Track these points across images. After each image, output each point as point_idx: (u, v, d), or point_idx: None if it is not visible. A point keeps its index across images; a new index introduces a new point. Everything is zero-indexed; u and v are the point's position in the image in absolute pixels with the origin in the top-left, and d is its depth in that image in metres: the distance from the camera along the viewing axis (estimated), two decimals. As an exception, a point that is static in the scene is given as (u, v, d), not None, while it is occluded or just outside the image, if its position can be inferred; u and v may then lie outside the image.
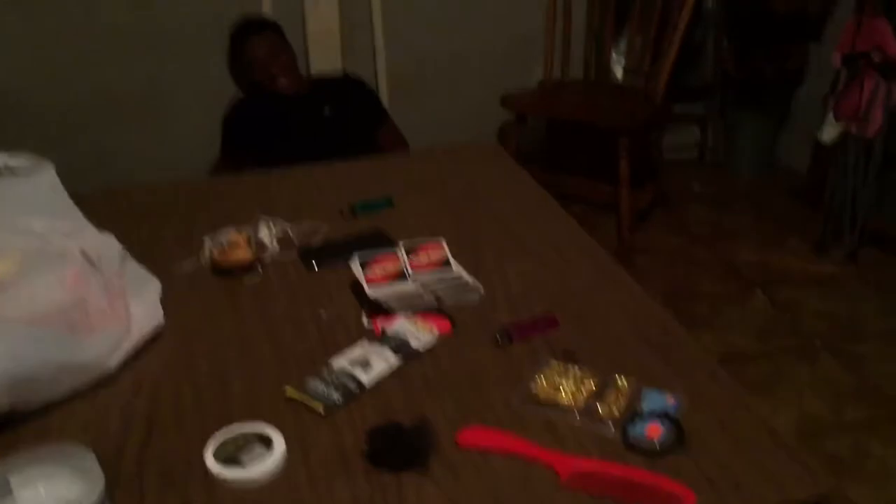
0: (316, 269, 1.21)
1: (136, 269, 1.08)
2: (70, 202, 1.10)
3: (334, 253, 1.22)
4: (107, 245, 1.05)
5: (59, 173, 2.18)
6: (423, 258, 1.11)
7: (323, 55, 2.76)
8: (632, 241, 2.70)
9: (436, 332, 1.04)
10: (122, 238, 1.08)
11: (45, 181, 1.10)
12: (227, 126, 2.63)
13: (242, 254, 1.18)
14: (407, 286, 1.07)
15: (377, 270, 1.09)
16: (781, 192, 3.05)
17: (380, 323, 1.06)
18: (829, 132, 2.48)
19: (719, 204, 3.01)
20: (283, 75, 2.46)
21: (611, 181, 2.68)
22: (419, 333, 1.03)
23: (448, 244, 1.16)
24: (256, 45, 2.46)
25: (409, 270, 1.09)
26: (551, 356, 0.99)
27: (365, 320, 1.07)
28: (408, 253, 1.11)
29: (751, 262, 2.62)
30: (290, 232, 1.28)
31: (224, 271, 1.18)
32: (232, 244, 1.19)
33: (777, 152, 3.17)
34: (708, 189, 3.11)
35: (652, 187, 2.90)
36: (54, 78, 2.64)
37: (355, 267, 1.09)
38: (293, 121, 2.53)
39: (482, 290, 1.12)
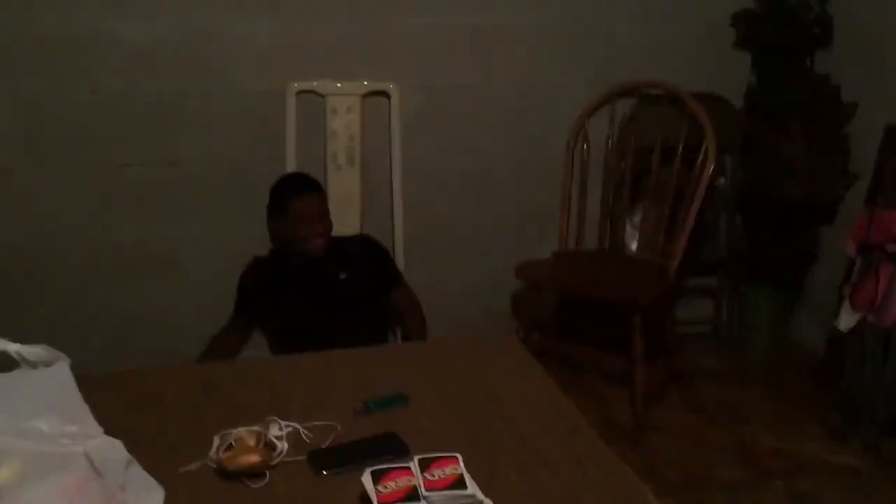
0: (325, 473, 1.17)
1: (140, 476, 1.05)
2: (80, 401, 1.07)
3: (345, 458, 1.18)
4: (113, 450, 1.02)
5: (75, 337, 2.19)
6: (437, 474, 1.07)
7: (343, 217, 2.80)
8: (645, 419, 2.64)
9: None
10: (129, 429, 1.05)
11: (58, 377, 1.08)
12: (242, 284, 2.64)
13: (250, 458, 1.14)
14: (419, 507, 1.03)
15: (389, 486, 1.05)
16: (796, 372, 3.00)
17: (389, 546, 1.01)
18: (846, 321, 2.47)
19: (734, 382, 2.96)
20: (321, 237, 2.46)
21: (623, 354, 2.65)
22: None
23: (462, 451, 1.11)
24: (307, 202, 2.45)
25: (423, 490, 1.05)
26: None
27: (374, 542, 1.02)
28: (422, 469, 1.07)
29: (768, 448, 2.55)
30: (301, 432, 1.25)
31: (231, 474, 1.14)
32: (241, 445, 1.16)
33: (790, 330, 3.15)
34: (722, 366, 3.07)
35: (666, 363, 2.87)
36: (74, 237, 2.69)
37: (367, 482, 1.05)
38: (309, 283, 2.54)
39: (496, 511, 1.08)
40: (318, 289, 2.54)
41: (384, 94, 2.75)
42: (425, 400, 1.39)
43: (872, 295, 2.42)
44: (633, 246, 2.98)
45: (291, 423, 1.26)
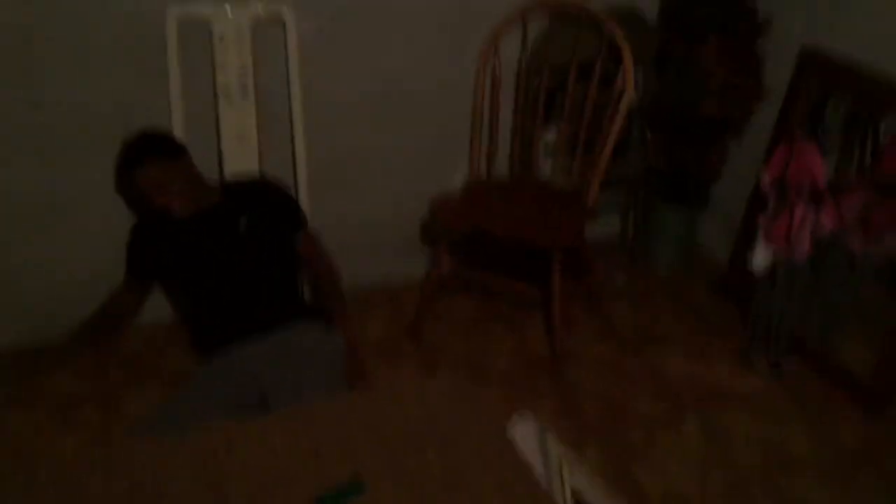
0: None
1: None
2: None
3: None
4: None
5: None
6: None
7: (239, 156, 2.57)
8: (562, 352, 2.65)
9: None
10: None
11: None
12: (132, 240, 2.42)
13: None
14: None
15: None
16: (703, 286, 3.07)
17: None
18: (761, 258, 2.50)
19: (644, 302, 3.00)
20: (174, 201, 2.26)
21: (537, 281, 2.62)
22: None
23: None
24: (141, 178, 2.23)
25: None
26: None
27: None
28: None
29: (680, 375, 2.63)
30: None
31: None
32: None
33: (696, 245, 3.20)
34: (632, 285, 3.10)
35: (579, 287, 2.87)
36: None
37: None
38: (205, 237, 2.34)
39: None
40: (217, 244, 2.34)
41: (278, 19, 2.46)
42: (382, 484, 1.28)
43: (786, 230, 2.44)
44: (547, 170, 2.89)
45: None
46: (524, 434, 1.82)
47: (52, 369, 2.56)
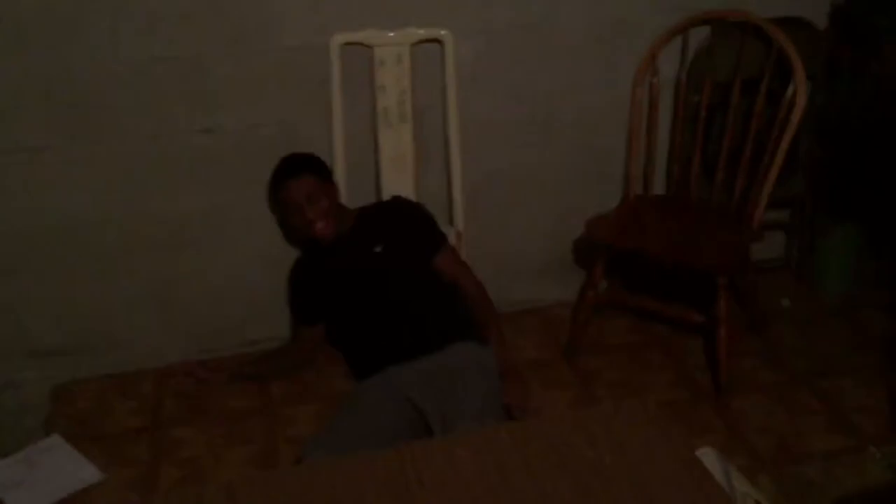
0: None
1: None
2: None
3: None
4: None
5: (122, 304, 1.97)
6: None
7: (396, 178, 2.60)
8: (728, 382, 2.52)
9: None
10: None
11: None
12: (290, 291, 2.58)
13: None
14: None
15: None
16: (877, 311, 2.86)
17: None
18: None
19: (814, 327, 2.82)
20: (320, 220, 2.33)
21: (700, 306, 2.51)
22: None
23: None
24: (294, 188, 2.33)
25: None
26: None
27: None
28: None
29: (857, 406, 2.45)
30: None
31: None
32: None
33: (868, 267, 2.98)
34: (800, 308, 2.93)
35: (745, 313, 2.74)
36: (118, 207, 2.50)
37: None
38: (345, 265, 2.39)
39: None
40: (355, 271, 2.39)
41: (437, 41, 2.48)
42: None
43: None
44: (707, 189, 2.78)
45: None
46: (707, 463, 1.74)
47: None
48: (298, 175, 2.35)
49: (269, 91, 2.45)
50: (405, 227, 2.47)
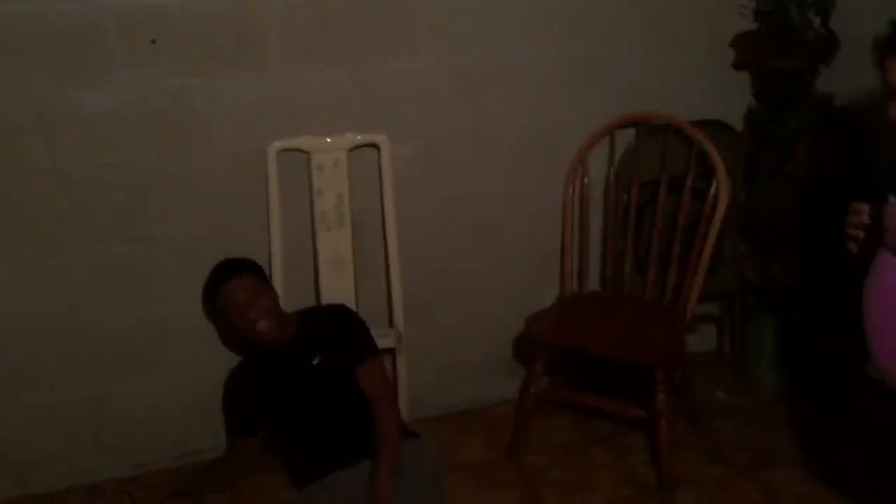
0: None
1: None
2: None
3: None
4: None
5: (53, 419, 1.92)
6: None
7: (335, 282, 2.61)
8: (670, 476, 2.53)
9: None
10: None
11: None
12: (227, 400, 2.51)
13: None
14: None
15: None
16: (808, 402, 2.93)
17: None
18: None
19: (751, 419, 2.86)
20: (262, 319, 2.28)
21: (639, 399, 2.53)
22: None
23: None
24: (234, 288, 2.29)
25: None
26: None
27: None
28: None
29: (802, 498, 2.47)
30: None
31: None
32: None
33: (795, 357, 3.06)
34: (735, 400, 2.98)
35: (683, 407, 2.77)
36: (45, 327, 2.43)
37: None
38: (286, 377, 2.36)
39: None
40: (296, 382, 2.36)
41: (374, 146, 2.54)
42: None
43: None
44: (639, 285, 2.85)
45: None
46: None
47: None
48: (238, 276, 2.32)
49: (207, 198, 2.46)
50: (339, 334, 2.44)
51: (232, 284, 2.30)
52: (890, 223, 1.52)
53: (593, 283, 2.87)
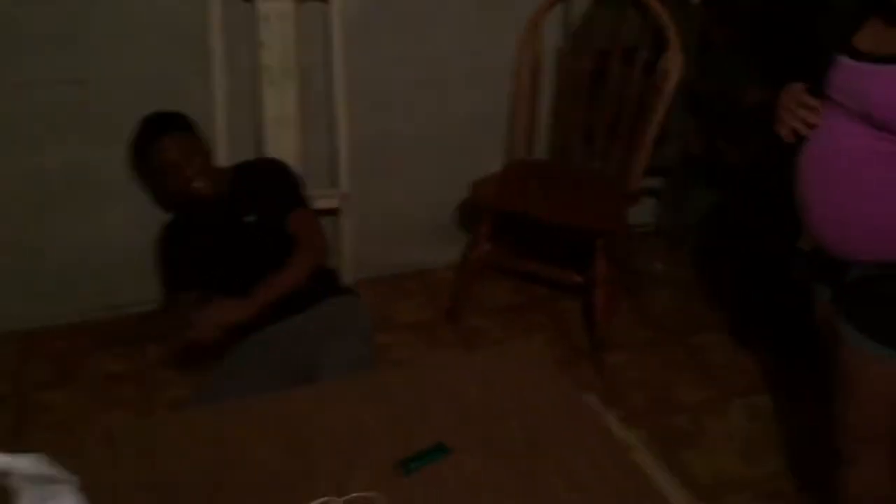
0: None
1: None
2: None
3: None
4: None
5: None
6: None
7: (280, 139, 2.55)
8: (605, 340, 2.62)
9: None
10: None
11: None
12: (162, 256, 2.45)
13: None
14: None
15: None
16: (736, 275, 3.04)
17: None
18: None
19: (682, 288, 2.97)
20: (197, 178, 2.23)
21: (578, 267, 2.60)
22: None
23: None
24: (168, 146, 2.21)
25: None
26: None
27: None
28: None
29: (723, 363, 2.60)
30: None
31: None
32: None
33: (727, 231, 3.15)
34: (669, 271, 3.06)
35: (620, 276, 2.84)
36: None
37: None
38: (218, 233, 2.33)
39: None
40: (229, 237, 2.31)
41: (323, -2, 2.44)
42: (466, 448, 1.26)
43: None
44: (586, 155, 2.86)
45: (326, 500, 1.13)
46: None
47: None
48: (171, 132, 2.24)
49: (145, 42, 2.35)
50: (268, 187, 2.39)
51: (165, 140, 2.21)
52: (847, 86, 1.50)
53: (541, 152, 2.87)
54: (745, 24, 2.75)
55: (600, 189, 2.63)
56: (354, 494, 1.15)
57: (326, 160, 2.65)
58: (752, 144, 2.88)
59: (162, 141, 2.22)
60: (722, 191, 3.02)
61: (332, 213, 2.69)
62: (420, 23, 2.59)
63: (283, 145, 2.54)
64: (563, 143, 2.82)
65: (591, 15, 2.70)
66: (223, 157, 2.46)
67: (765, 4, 2.72)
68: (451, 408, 1.33)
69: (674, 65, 2.52)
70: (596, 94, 2.79)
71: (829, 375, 1.62)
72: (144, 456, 1.24)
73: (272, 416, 1.30)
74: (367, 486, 1.17)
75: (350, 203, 2.67)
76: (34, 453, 0.95)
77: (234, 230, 2.30)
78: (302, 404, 1.33)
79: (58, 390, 2.39)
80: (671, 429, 2.32)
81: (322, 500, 1.12)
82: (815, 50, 1.54)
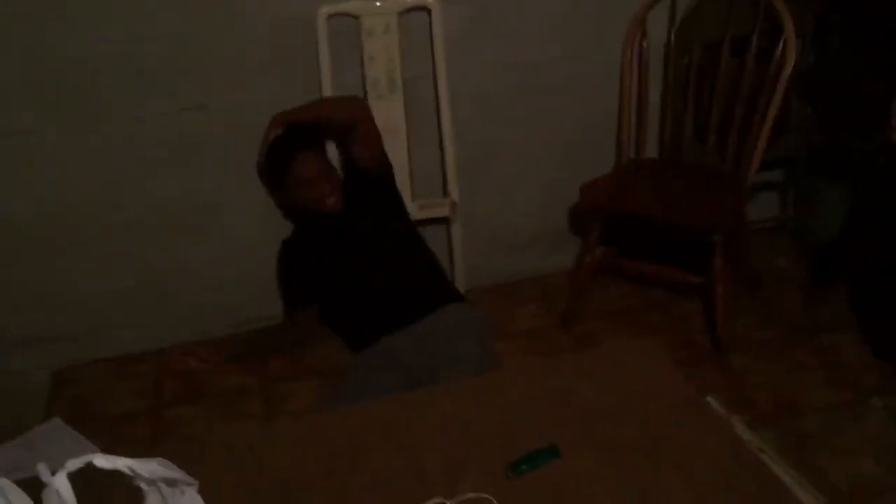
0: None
1: None
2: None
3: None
4: None
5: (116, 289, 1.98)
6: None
7: (390, 150, 2.58)
8: (727, 340, 2.53)
9: None
10: None
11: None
12: (282, 274, 2.55)
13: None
14: None
15: None
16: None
17: None
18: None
19: (807, 284, 2.83)
20: (332, 194, 2.32)
21: (695, 267, 2.51)
22: None
23: None
24: (308, 162, 2.30)
25: None
26: None
27: None
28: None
29: (857, 361, 2.45)
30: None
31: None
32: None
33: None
34: (794, 267, 2.93)
35: (741, 273, 2.73)
36: (109, 192, 2.48)
37: None
38: (335, 245, 2.38)
39: None
40: (348, 249, 2.39)
41: (424, 9, 2.46)
42: (579, 448, 1.24)
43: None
44: (699, 151, 2.78)
45: (439, 500, 1.13)
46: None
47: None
48: (311, 148, 2.33)
49: (256, 66, 2.43)
50: (381, 195, 2.45)
51: (309, 157, 2.31)
52: None
53: (651, 151, 2.80)
54: (863, 7, 2.60)
55: (715, 185, 2.54)
56: (467, 496, 1.15)
57: (435, 169, 2.67)
58: (878, 136, 2.72)
59: (301, 155, 2.30)
60: (850, 184, 2.86)
61: (442, 221, 2.71)
62: (522, 28, 2.57)
63: (392, 156, 2.57)
64: (673, 139, 2.74)
65: (699, 6, 2.62)
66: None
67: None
68: (563, 409, 1.31)
69: (789, 51, 2.41)
70: (706, 88, 2.70)
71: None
72: (260, 461, 1.28)
73: (384, 419, 1.32)
74: (477, 487, 1.17)
75: (460, 211, 2.68)
76: (158, 458, 0.98)
77: (351, 240, 2.36)
78: (413, 407, 1.33)
79: (188, 405, 2.49)
80: (803, 433, 2.20)
81: (434, 500, 1.12)
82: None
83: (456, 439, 1.27)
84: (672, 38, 2.64)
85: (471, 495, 1.15)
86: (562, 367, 1.44)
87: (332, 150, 2.54)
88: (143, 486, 0.98)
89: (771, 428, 2.21)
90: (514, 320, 2.76)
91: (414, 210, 2.63)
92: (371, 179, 2.43)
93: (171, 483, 0.99)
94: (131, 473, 0.95)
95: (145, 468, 0.96)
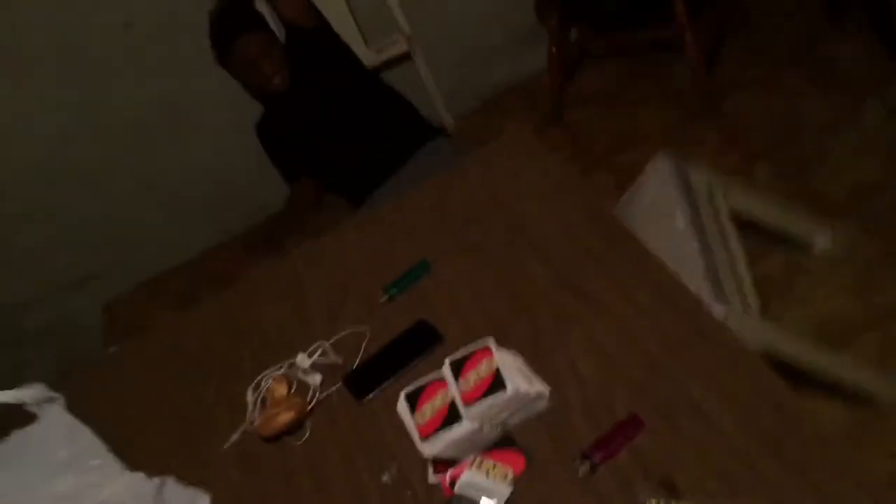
0: (365, 400, 1.09)
1: (177, 493, 1.00)
2: (92, 440, 1.01)
3: (380, 373, 1.10)
4: (137, 486, 0.97)
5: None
6: (472, 378, 0.95)
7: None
8: (712, 83, 2.38)
9: (511, 474, 0.91)
10: (159, 401, 1.11)
11: (60, 425, 1.01)
12: (268, 151, 2.51)
13: (284, 417, 1.06)
14: (463, 427, 0.92)
15: (426, 410, 0.95)
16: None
17: (448, 476, 0.94)
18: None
19: (793, 10, 2.58)
20: (276, 74, 2.27)
21: (668, 21, 2.35)
22: (493, 485, 0.90)
23: (498, 310, 1.06)
24: (245, 45, 2.24)
25: (461, 406, 0.93)
26: (649, 494, 0.83)
27: (431, 475, 0.96)
28: (455, 375, 0.95)
29: (852, 65, 2.26)
30: (330, 353, 1.15)
31: (272, 438, 1.08)
32: (272, 399, 1.09)
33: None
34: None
35: (716, 12, 2.53)
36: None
37: (404, 413, 0.96)
38: (306, 107, 2.35)
39: (547, 393, 0.97)
40: (317, 111, 2.35)
41: None
42: (447, 260, 1.23)
43: None
44: None
45: (317, 344, 1.16)
46: (661, 175, 1.67)
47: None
48: (248, 30, 2.27)
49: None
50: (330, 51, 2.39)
51: (243, 40, 2.25)
52: None
53: None
54: None
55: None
56: (342, 333, 1.17)
57: (377, 6, 2.55)
58: None
59: (244, 38, 2.25)
60: None
61: (405, 59, 2.63)
62: None
63: (329, 8, 2.46)
64: None
65: None
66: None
67: None
68: (436, 224, 1.30)
69: None
70: None
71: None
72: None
73: (277, 271, 1.37)
74: (356, 320, 1.19)
75: (419, 42, 2.58)
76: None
77: (315, 101, 2.33)
78: (303, 256, 1.38)
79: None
80: (801, 157, 2.08)
81: (315, 345, 1.15)
82: None
83: (338, 277, 1.31)
84: None
85: (345, 332, 1.17)
86: (438, 181, 1.42)
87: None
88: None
89: (766, 160, 2.11)
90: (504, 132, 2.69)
91: (371, 57, 2.55)
92: (311, 40, 2.37)
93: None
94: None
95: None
